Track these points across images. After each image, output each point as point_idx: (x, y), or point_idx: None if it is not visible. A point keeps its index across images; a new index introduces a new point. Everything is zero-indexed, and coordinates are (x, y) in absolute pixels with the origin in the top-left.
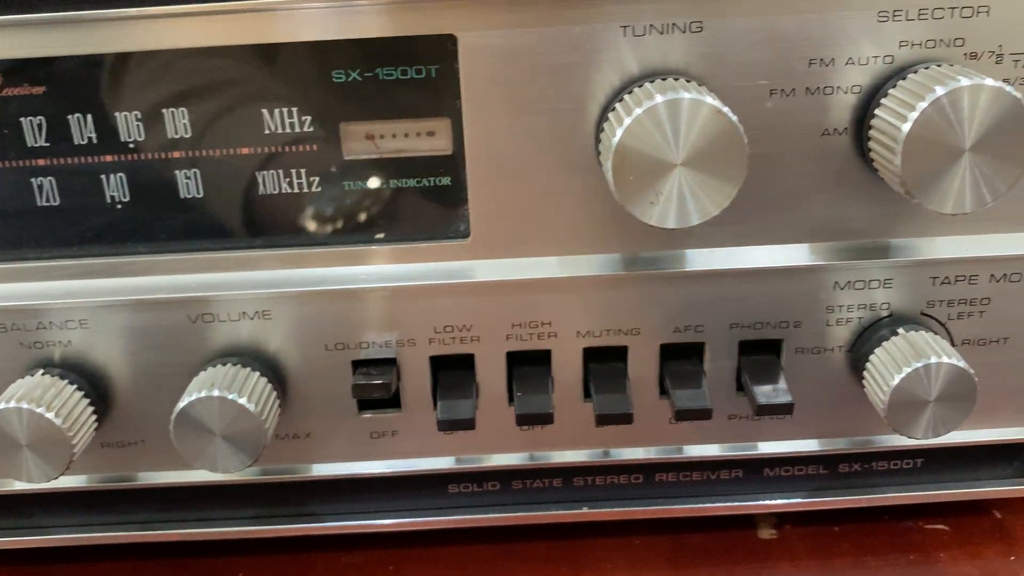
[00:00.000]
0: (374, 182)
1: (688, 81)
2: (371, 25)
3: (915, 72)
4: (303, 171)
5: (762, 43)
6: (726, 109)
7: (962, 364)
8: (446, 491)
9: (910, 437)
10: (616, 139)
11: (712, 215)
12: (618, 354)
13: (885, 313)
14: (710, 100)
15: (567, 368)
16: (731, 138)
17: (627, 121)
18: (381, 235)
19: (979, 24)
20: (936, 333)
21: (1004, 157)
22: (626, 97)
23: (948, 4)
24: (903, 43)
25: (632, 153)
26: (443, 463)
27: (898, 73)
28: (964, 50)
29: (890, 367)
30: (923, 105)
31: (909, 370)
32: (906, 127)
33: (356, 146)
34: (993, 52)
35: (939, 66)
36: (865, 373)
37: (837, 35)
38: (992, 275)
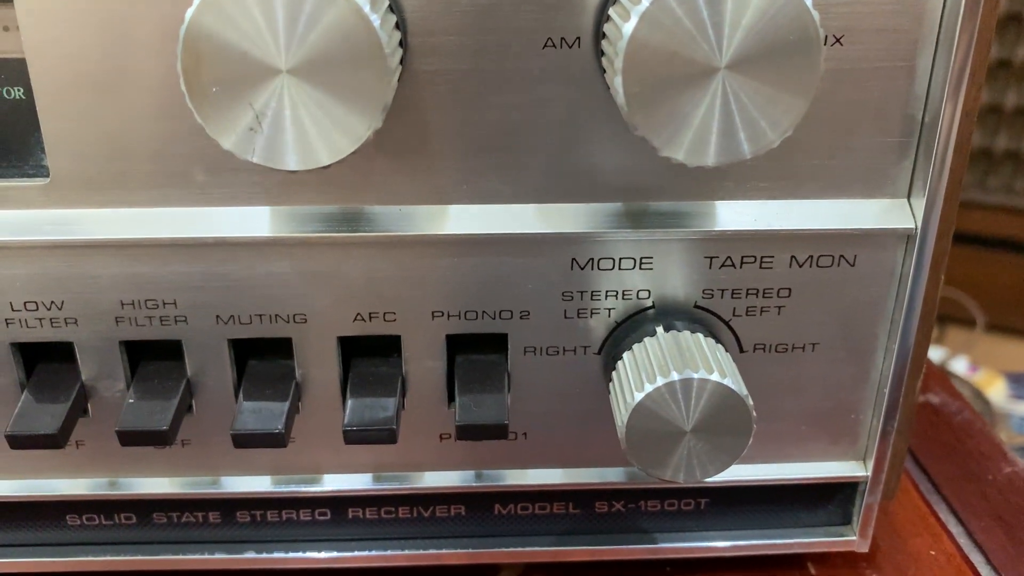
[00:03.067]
0: None
1: None
2: None
3: None
4: None
5: None
6: (363, 5)
7: (731, 384)
8: (63, 522)
9: (656, 478)
10: None
11: (334, 157)
12: (279, 347)
13: (647, 304)
14: None
15: (210, 366)
16: (366, 40)
17: None
18: None
19: None
20: (714, 335)
21: (776, 86)
22: None
23: None
24: None
25: (211, 43)
26: (55, 486)
27: None
28: None
29: (633, 380)
30: None
31: (655, 386)
32: (629, 26)
33: None
34: None
35: None
36: (610, 385)
37: None
38: (793, 257)
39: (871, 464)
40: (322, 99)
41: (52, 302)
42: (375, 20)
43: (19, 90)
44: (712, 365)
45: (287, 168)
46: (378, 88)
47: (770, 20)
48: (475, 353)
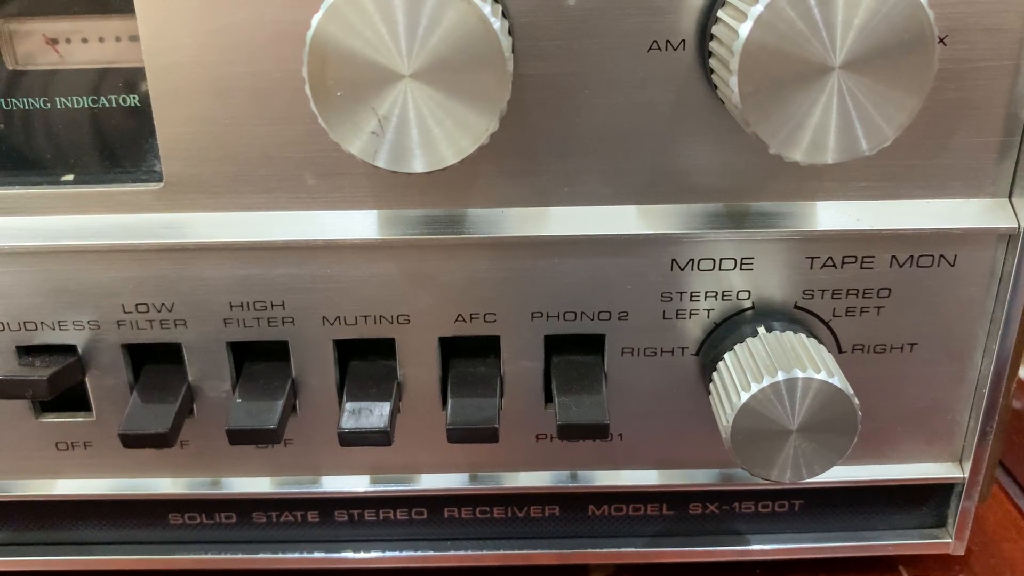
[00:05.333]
0: (39, 103)
1: None
2: None
3: None
4: None
5: None
6: (484, 6)
7: (837, 383)
8: (166, 521)
9: (762, 478)
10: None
11: (458, 157)
12: (383, 349)
13: (746, 305)
14: None
15: (314, 367)
16: (488, 43)
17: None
18: (66, 177)
19: None
20: (815, 335)
21: (890, 82)
22: None
23: None
24: None
25: (336, 50)
26: (158, 485)
27: None
28: None
29: (738, 380)
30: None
31: (761, 386)
32: (745, 28)
33: (29, 54)
34: None
35: None
36: (711, 386)
37: None
38: (893, 257)
39: (968, 466)
40: (444, 101)
41: (162, 304)
42: (495, 23)
43: (134, 98)
44: (818, 364)
45: (414, 170)
46: (498, 88)
47: (883, 19)
48: (571, 354)
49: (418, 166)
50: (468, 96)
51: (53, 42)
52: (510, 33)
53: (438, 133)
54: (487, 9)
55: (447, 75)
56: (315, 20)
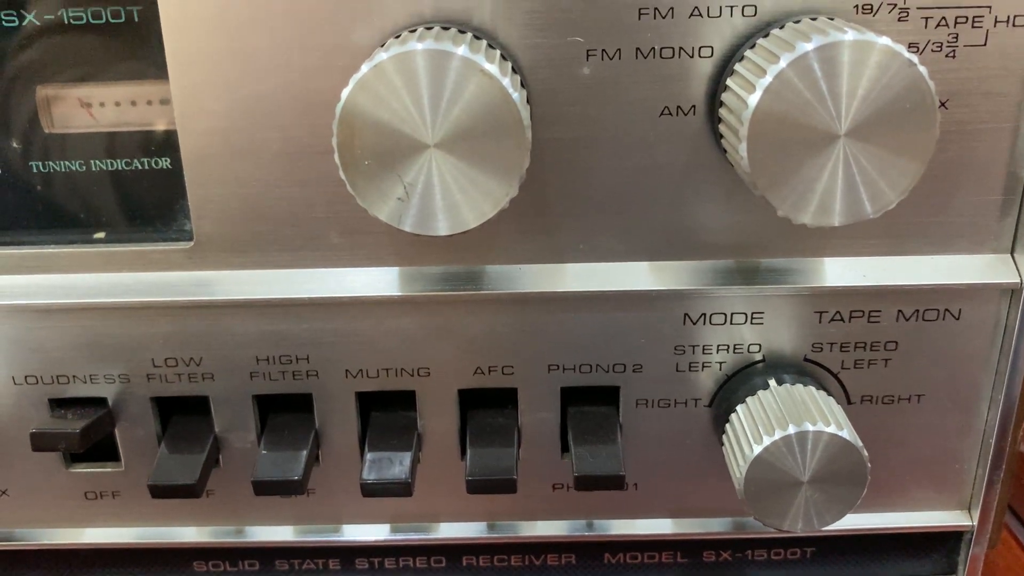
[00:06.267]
0: (75, 165)
1: (465, 32)
2: None
3: (781, 28)
4: None
5: None
6: (503, 79)
7: (847, 435)
8: (191, 569)
9: (774, 528)
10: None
11: (479, 220)
12: (403, 401)
13: (757, 358)
14: (486, 65)
15: (337, 418)
16: (507, 113)
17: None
18: (99, 235)
19: None
20: (824, 387)
21: (894, 149)
22: (378, 51)
23: None
24: None
25: (364, 121)
26: (183, 534)
27: (762, 30)
28: (854, 0)
29: (750, 433)
30: (780, 66)
31: (773, 439)
32: (753, 98)
33: (65, 116)
34: (894, 5)
35: (815, 19)
36: (724, 438)
37: None
38: (900, 312)
39: (977, 513)
40: (466, 169)
41: (191, 358)
42: (514, 94)
43: (167, 160)
44: (828, 417)
45: (438, 234)
46: (517, 157)
47: (884, 88)
48: (587, 405)
49: (442, 230)
50: (489, 164)
51: (88, 106)
52: (528, 100)
53: (461, 199)
54: (506, 81)
55: (469, 144)
56: (345, 93)
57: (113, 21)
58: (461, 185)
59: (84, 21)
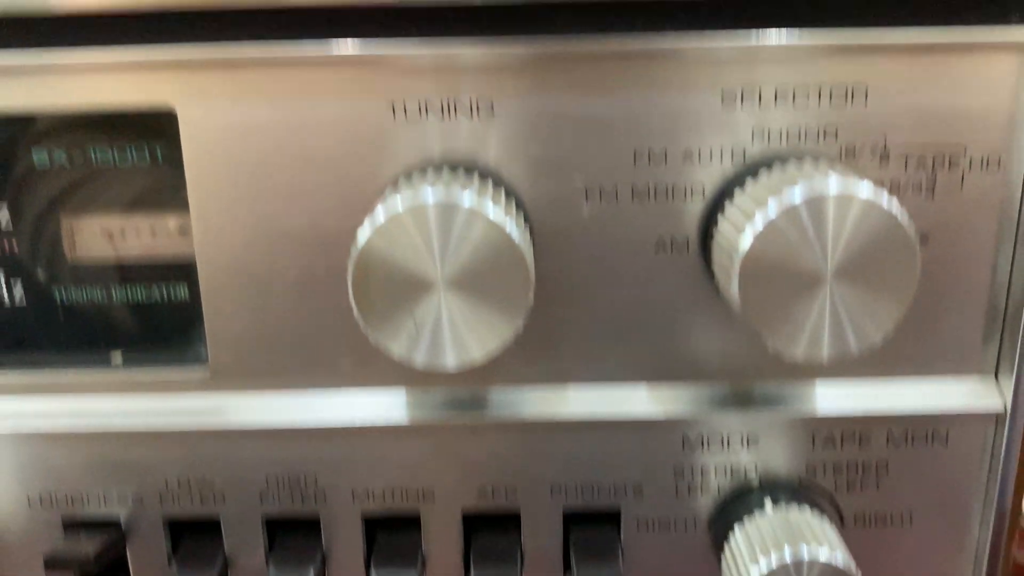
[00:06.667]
0: (95, 292)
1: (473, 174)
2: (73, 94)
3: (769, 171)
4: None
5: (571, 129)
6: (506, 221)
7: (841, 562)
8: None
9: None
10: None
11: (486, 355)
12: (408, 522)
13: (753, 480)
14: (492, 212)
15: (343, 540)
16: (512, 257)
17: (367, 229)
18: (116, 358)
19: (855, 111)
20: (819, 507)
21: (878, 291)
22: (388, 192)
23: (813, 81)
24: (757, 133)
25: (379, 263)
26: None
27: (750, 172)
28: (837, 144)
29: (747, 555)
30: (770, 213)
31: (769, 561)
32: (745, 242)
33: (88, 246)
34: (875, 147)
35: (800, 163)
36: (723, 557)
37: (669, 121)
38: (890, 434)
39: None
40: (474, 308)
41: (203, 480)
42: (519, 239)
43: (184, 288)
44: (821, 539)
45: (447, 369)
46: (521, 298)
47: (867, 234)
48: (589, 526)
49: (450, 365)
50: (495, 303)
51: (110, 235)
52: (532, 236)
53: (468, 336)
54: (511, 226)
55: (476, 285)
56: (361, 237)
57: (138, 160)
58: (469, 323)
59: (111, 160)
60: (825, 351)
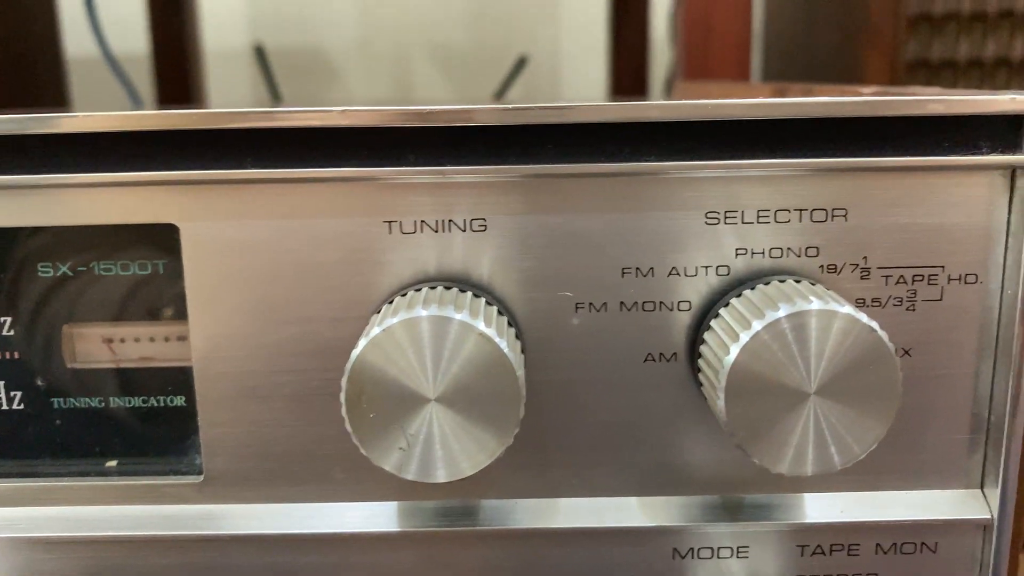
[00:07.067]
0: (91, 401)
1: (475, 295)
2: (78, 211)
3: (752, 288)
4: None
5: (561, 245)
6: (496, 336)
7: None
8: None
9: None
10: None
11: (475, 469)
12: None
13: None
14: (481, 326)
15: None
16: (503, 372)
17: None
18: (111, 464)
19: (836, 229)
20: None
21: (860, 408)
22: (385, 307)
23: (794, 205)
24: (740, 251)
25: (372, 377)
26: None
27: (736, 288)
28: (819, 261)
29: None
30: (752, 331)
31: None
32: (729, 358)
33: (88, 352)
34: (856, 265)
35: (782, 281)
36: None
37: (656, 239)
38: (878, 545)
39: None
40: (464, 423)
41: None
42: (510, 354)
43: (181, 398)
44: None
45: (437, 481)
46: (511, 412)
47: (848, 353)
48: None
49: (441, 478)
50: (485, 419)
51: (109, 342)
52: (524, 348)
53: (458, 451)
54: (502, 342)
55: (467, 400)
56: (355, 351)
57: (140, 273)
58: (459, 437)
59: (113, 273)
60: (809, 467)
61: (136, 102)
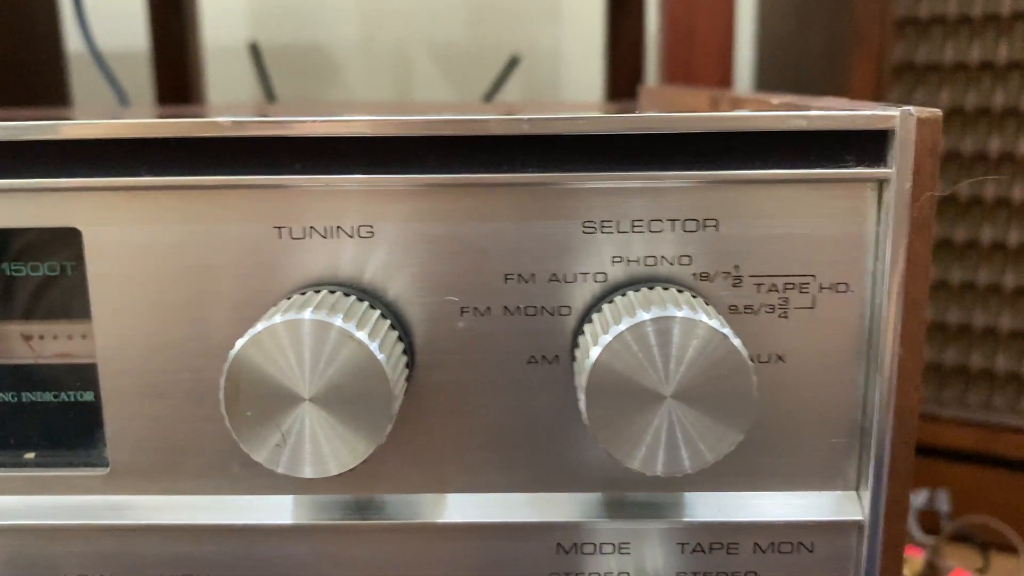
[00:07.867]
0: (7, 396)
1: (359, 300)
2: None
3: (623, 294)
4: None
5: (446, 252)
6: (369, 342)
7: None
8: None
9: None
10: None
11: (341, 469)
12: None
13: None
14: (359, 333)
15: None
16: (376, 377)
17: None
18: (28, 455)
19: (708, 239)
20: None
21: (715, 415)
22: (271, 310)
23: (668, 216)
24: (616, 259)
25: (250, 374)
26: None
27: (611, 294)
28: (692, 269)
29: None
30: (616, 332)
31: None
32: (591, 358)
33: (7, 349)
34: (728, 273)
35: (651, 288)
36: None
37: (536, 247)
38: (756, 544)
39: None
40: (335, 424)
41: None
42: (383, 359)
43: (90, 394)
44: None
45: (303, 476)
46: (382, 416)
47: (706, 359)
48: None
49: (308, 473)
50: (356, 421)
51: (28, 339)
52: (413, 350)
53: (327, 450)
54: (375, 347)
55: (340, 401)
56: (237, 345)
57: (50, 273)
58: (329, 437)
59: (24, 273)
60: (660, 467)
61: (123, 100)
